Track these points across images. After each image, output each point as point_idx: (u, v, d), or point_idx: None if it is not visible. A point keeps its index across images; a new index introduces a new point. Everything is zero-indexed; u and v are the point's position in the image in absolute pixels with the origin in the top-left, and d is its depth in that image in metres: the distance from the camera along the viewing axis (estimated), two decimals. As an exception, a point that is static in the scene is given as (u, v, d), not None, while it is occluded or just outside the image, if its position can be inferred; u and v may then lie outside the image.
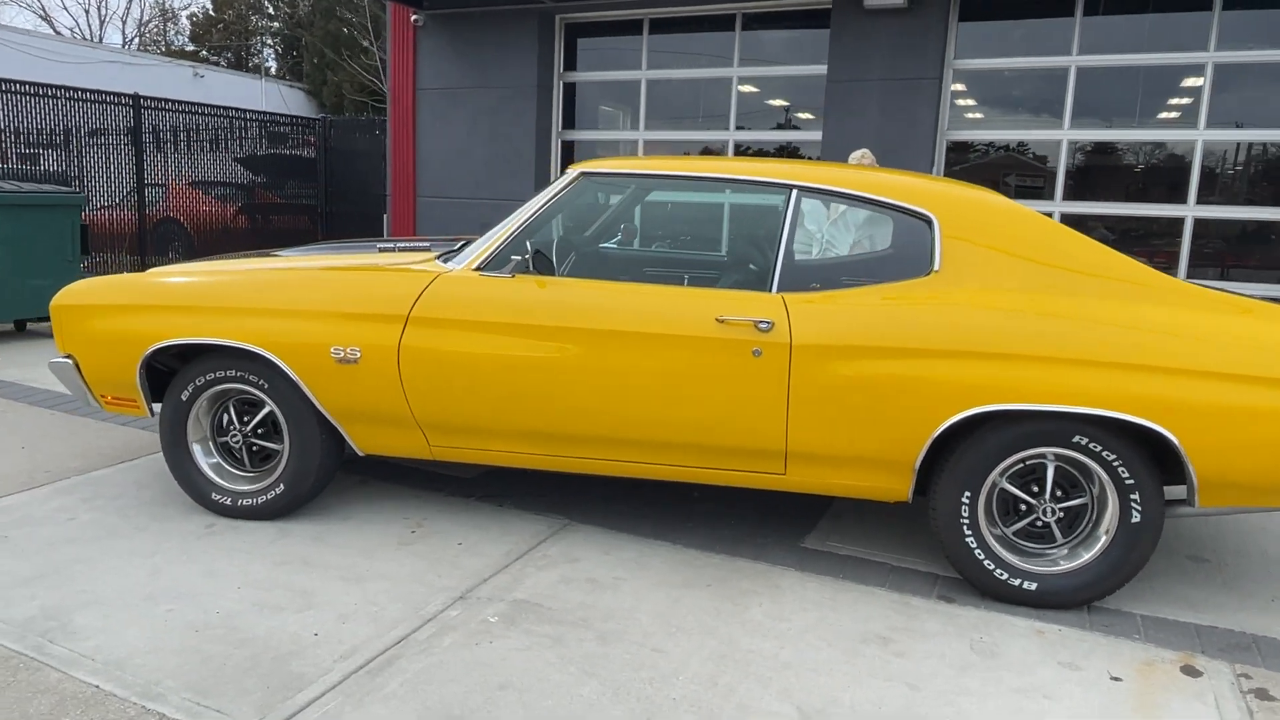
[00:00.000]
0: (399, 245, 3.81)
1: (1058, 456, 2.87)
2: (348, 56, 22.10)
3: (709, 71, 8.90)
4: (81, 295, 3.41)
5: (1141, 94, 7.63)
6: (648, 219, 3.30)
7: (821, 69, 8.38)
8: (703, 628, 2.74)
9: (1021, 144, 8.05)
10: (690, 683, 2.43)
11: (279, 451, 3.41)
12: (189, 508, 3.51)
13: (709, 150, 9.07)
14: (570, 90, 9.62)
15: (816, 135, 8.47)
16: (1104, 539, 2.85)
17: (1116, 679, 2.53)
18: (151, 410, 3.45)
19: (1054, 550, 2.95)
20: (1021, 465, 2.90)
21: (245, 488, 3.39)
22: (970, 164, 8.24)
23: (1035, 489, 2.92)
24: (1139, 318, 2.73)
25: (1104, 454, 2.78)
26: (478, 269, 3.15)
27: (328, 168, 10.66)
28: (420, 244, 3.86)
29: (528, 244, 3.01)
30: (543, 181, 9.45)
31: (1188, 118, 7.44)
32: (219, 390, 3.34)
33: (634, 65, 9.21)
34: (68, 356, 3.45)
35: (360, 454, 3.38)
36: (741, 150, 8.93)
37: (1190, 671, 2.59)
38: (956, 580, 3.12)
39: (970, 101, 8.14)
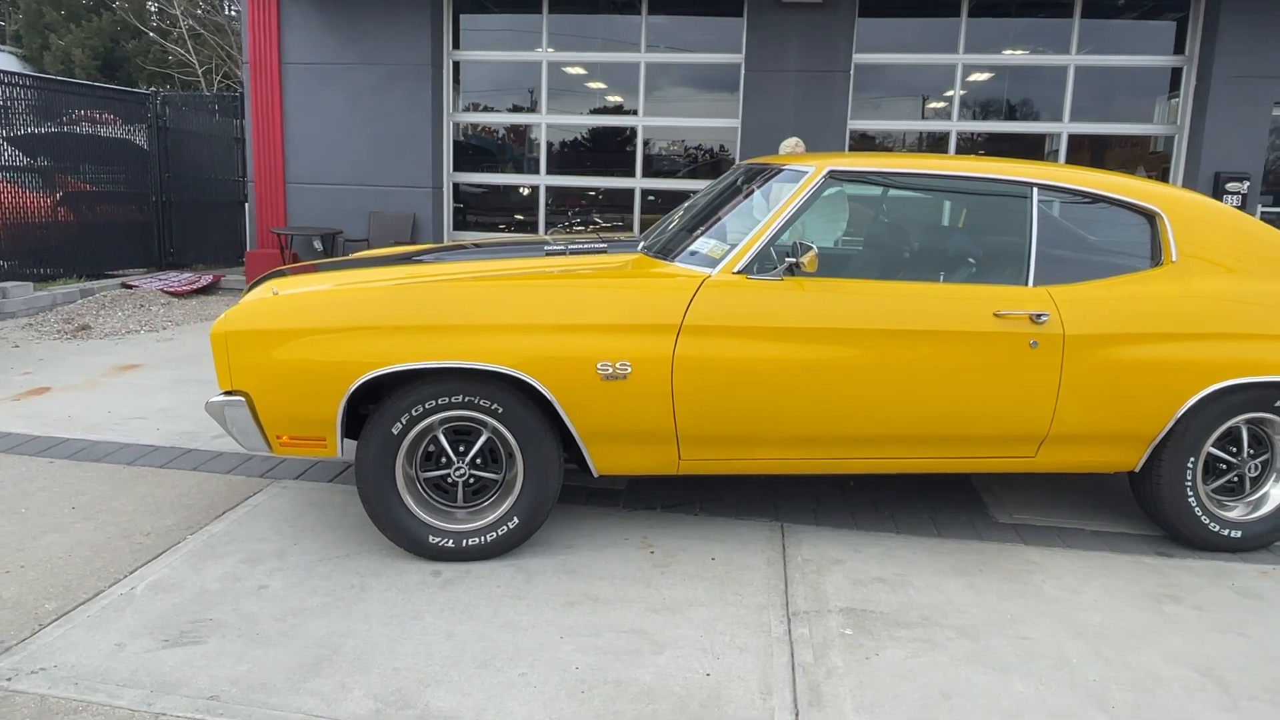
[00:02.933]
0: (570, 247, 3.50)
1: (1253, 421, 3.29)
2: (86, 15, 19.08)
3: (616, 56, 8.80)
4: (263, 319, 2.82)
5: (1017, 90, 8.60)
6: (878, 215, 3.31)
7: (735, 57, 8.58)
8: (1027, 609, 2.86)
9: (918, 135, 8.77)
10: (1085, 662, 2.55)
11: (496, 482, 3.05)
12: (391, 555, 3.05)
13: (618, 138, 8.98)
14: (462, 70, 9.08)
15: (733, 123, 8.68)
16: (1290, 486, 3.33)
17: (1362, 603, 2.99)
18: (341, 449, 2.94)
19: (1240, 502, 3.39)
20: (1225, 431, 3.30)
21: (468, 525, 3.00)
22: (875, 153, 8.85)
23: (1234, 450, 3.33)
24: (1336, 296, 3.20)
25: (1297, 414, 3.24)
26: (740, 272, 3.01)
27: (163, 151, 9.22)
28: (593, 244, 3.56)
29: (797, 244, 2.92)
30: (438, 167, 8.88)
31: (1056, 113, 8.50)
32: (437, 420, 2.93)
33: (533, 46, 8.87)
34: (237, 394, 2.85)
35: (595, 475, 3.11)
36: (656, 137, 8.93)
37: (1396, 589, 3.12)
38: (1160, 537, 3.47)
39: (871, 94, 8.73)
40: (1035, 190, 3.19)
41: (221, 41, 17.75)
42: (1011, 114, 8.58)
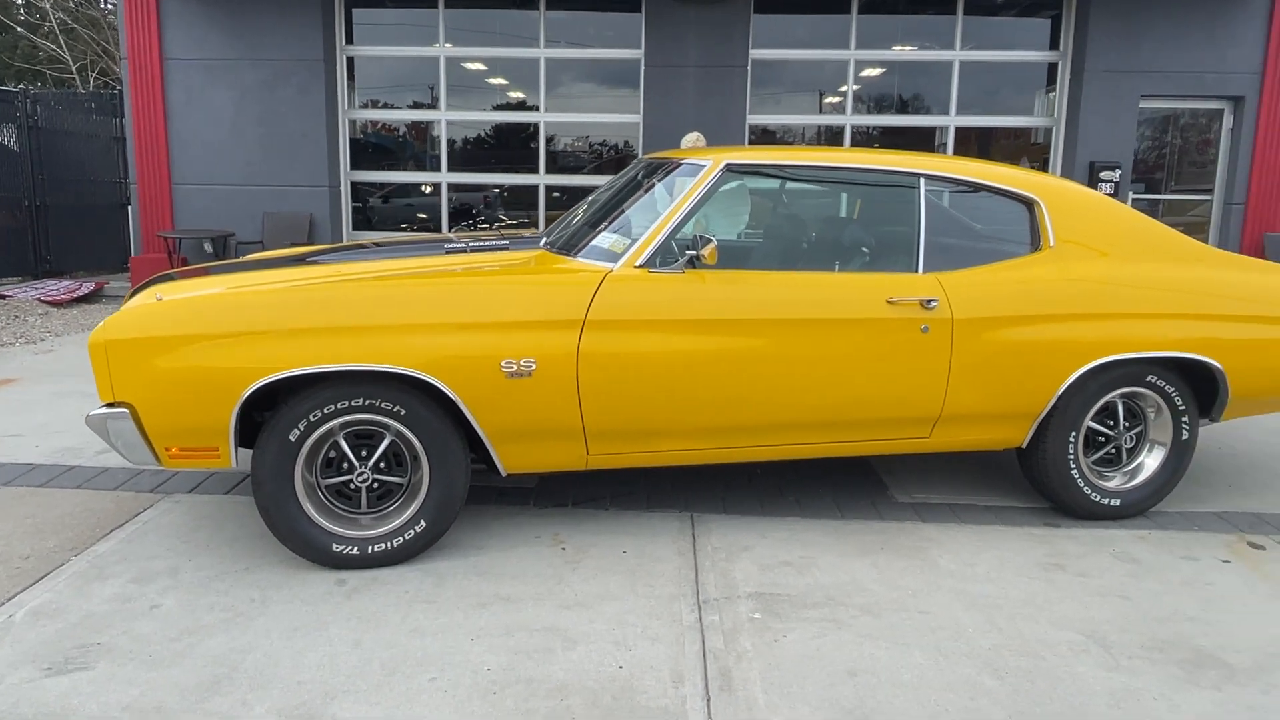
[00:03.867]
0: (470, 245, 3.45)
1: (1128, 395, 3.50)
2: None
3: (515, 51, 8.72)
4: (145, 326, 2.69)
5: (908, 85, 8.90)
6: (776, 206, 3.37)
7: (635, 53, 8.62)
8: (926, 583, 2.97)
9: (815, 129, 8.98)
10: (980, 632, 2.66)
11: (401, 486, 3.00)
12: (294, 566, 2.95)
13: (521, 134, 8.90)
14: (358, 66, 8.85)
15: (635, 118, 8.71)
16: (1161, 455, 3.54)
17: (1226, 560, 3.21)
18: (236, 459, 2.83)
19: (1118, 472, 3.59)
20: (1103, 406, 3.49)
21: (373, 531, 2.94)
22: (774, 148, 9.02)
23: (1111, 424, 3.53)
24: (1197, 279, 3.42)
25: (1166, 388, 3.45)
26: (642, 266, 3.02)
27: (35, 152, 8.67)
28: (495, 241, 3.52)
29: (697, 237, 2.96)
30: (334, 165, 8.65)
31: (943, 107, 8.83)
32: (337, 424, 2.85)
33: (430, 41, 8.72)
34: (119, 405, 2.71)
35: (503, 475, 3.08)
36: (559, 133, 8.89)
37: (1256, 546, 3.36)
38: (1047, 509, 3.65)
39: (769, 89, 8.89)
40: (923, 180, 3.31)
41: (97, 36, 16.85)
42: (903, 108, 8.88)
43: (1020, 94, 8.83)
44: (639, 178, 3.68)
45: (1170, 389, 3.45)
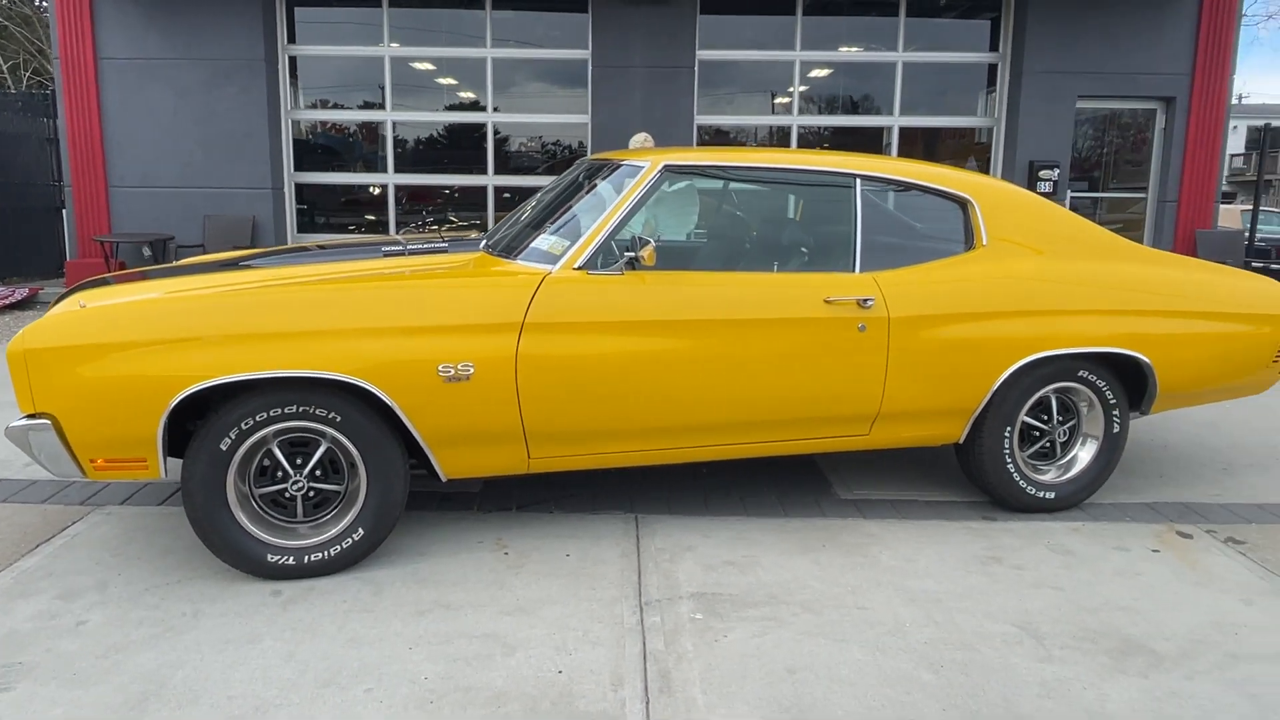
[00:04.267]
0: (408, 248, 3.41)
1: (1061, 390, 3.57)
2: None
3: (462, 51, 8.65)
4: (67, 334, 2.61)
5: (853, 86, 9.00)
6: (716, 207, 3.38)
7: (582, 53, 8.60)
8: (866, 580, 3.00)
9: (765, 130, 9.04)
10: (918, 626, 2.70)
11: (338, 493, 2.95)
12: (228, 578, 2.89)
13: (469, 135, 8.83)
14: (301, 65, 8.70)
15: (584, 118, 8.69)
16: (1094, 448, 3.63)
17: (1155, 550, 3.30)
18: (165, 469, 2.76)
19: (1052, 465, 3.67)
20: (1037, 401, 3.56)
21: (310, 540, 2.89)
22: (719, 147, 9.06)
23: (1045, 418, 3.61)
24: (1125, 275, 3.50)
25: (1097, 382, 3.53)
26: (581, 268, 3.01)
27: (-37, 154, 8.37)
28: (434, 244, 3.48)
29: (636, 239, 2.95)
30: (277, 167, 8.49)
31: (888, 107, 8.94)
32: (270, 432, 2.79)
33: (375, 40, 8.61)
34: (41, 417, 2.63)
35: (443, 480, 3.05)
36: (507, 134, 8.83)
37: (1184, 535, 3.45)
38: (984, 503, 3.72)
39: (717, 89, 8.93)
40: (859, 181, 3.35)
41: (30, 35, 16.35)
42: (850, 109, 8.98)
43: (963, 94, 8.98)
44: (580, 179, 3.67)
45: (1101, 383, 3.54)
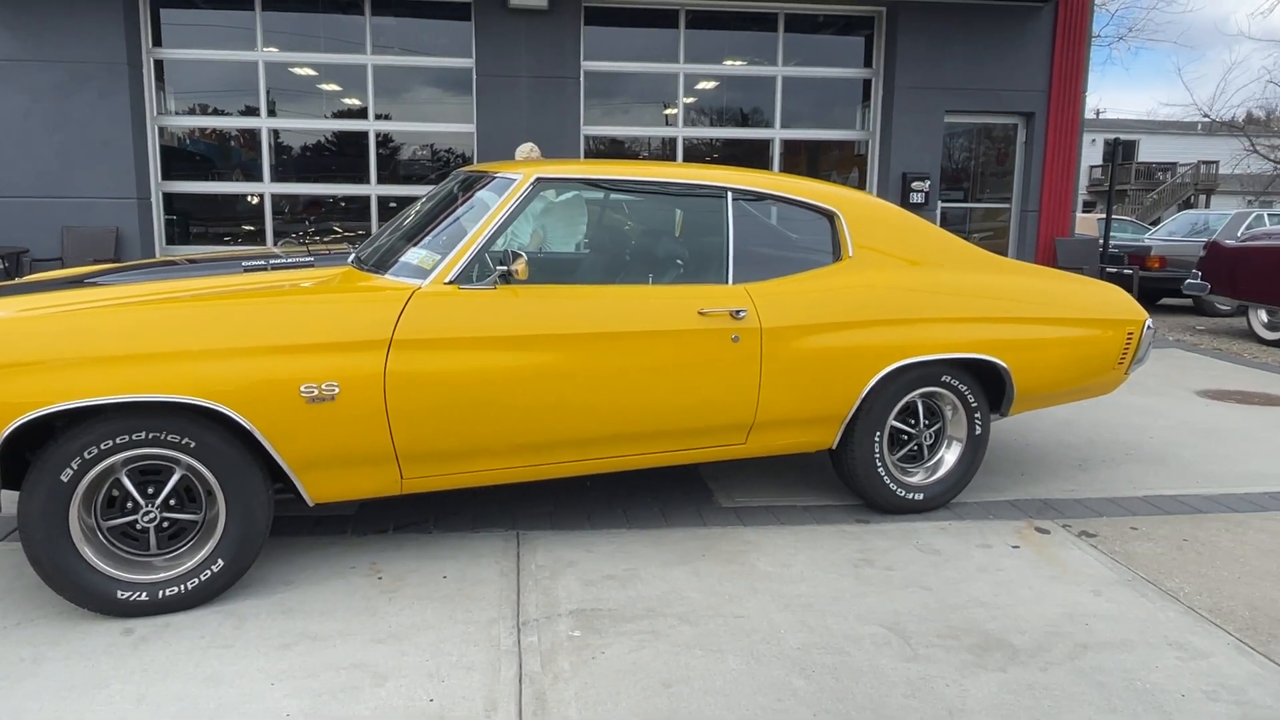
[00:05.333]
0: (271, 263, 3.27)
1: (926, 395, 3.71)
2: None
3: (341, 57, 8.41)
4: None
5: (737, 99, 9.18)
6: (592, 220, 3.37)
7: (466, 62, 8.48)
8: (744, 588, 3.04)
9: (652, 141, 9.12)
10: (791, 632, 2.75)
11: (196, 523, 2.80)
12: (75, 618, 2.70)
13: (350, 143, 8.58)
14: (169, 70, 8.28)
15: (469, 128, 8.57)
16: (959, 450, 3.79)
17: (1015, 546, 3.46)
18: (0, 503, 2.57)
19: (920, 468, 3.81)
20: (904, 406, 3.69)
21: (165, 574, 2.73)
22: (609, 157, 9.08)
23: (912, 422, 3.75)
24: (982, 284, 3.67)
25: (959, 387, 3.69)
26: (452, 282, 2.95)
27: None
28: (299, 258, 3.34)
29: (508, 253, 2.92)
30: (143, 176, 8.05)
31: (770, 120, 9.16)
32: (118, 460, 2.63)
33: (249, 44, 8.27)
34: None
35: (310, 505, 2.93)
36: (390, 142, 8.63)
37: (1042, 530, 3.64)
38: (858, 506, 3.83)
39: (604, 100, 8.96)
40: (730, 194, 3.41)
41: None
42: (733, 121, 9.16)
43: (841, 108, 9.29)
44: (455, 191, 3.61)
45: (963, 388, 3.70)
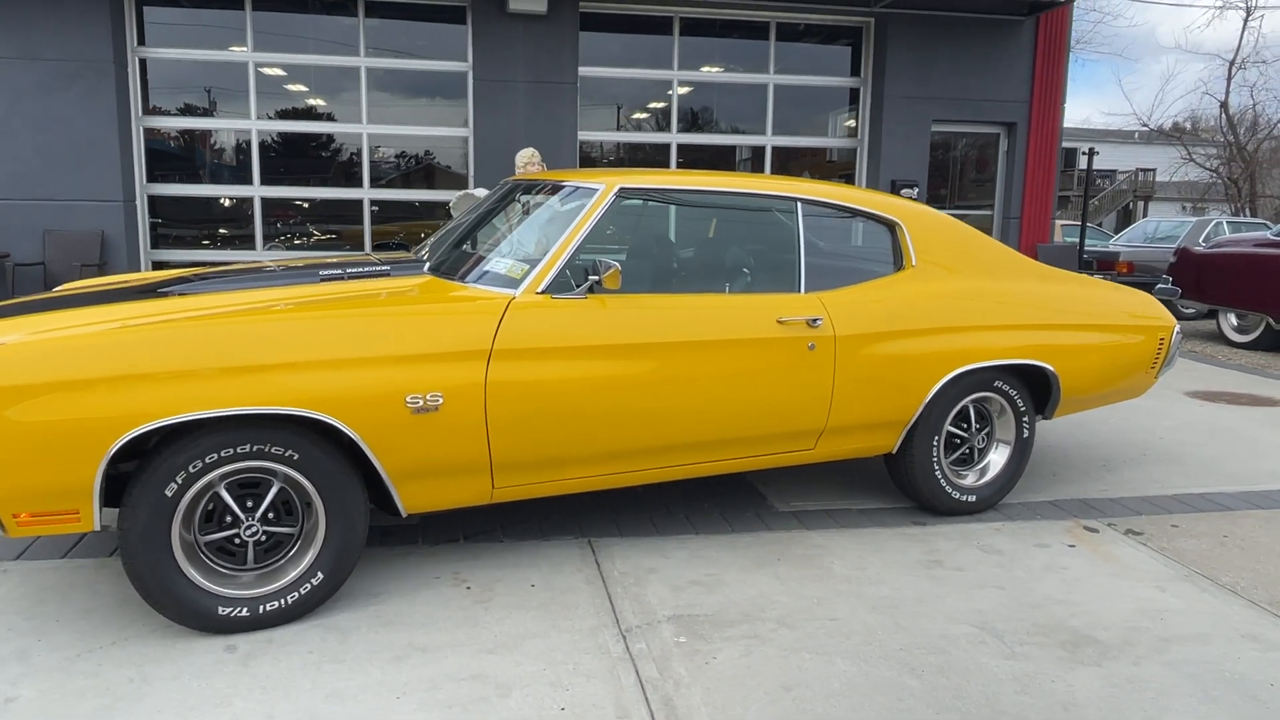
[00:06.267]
0: (348, 271, 3.23)
1: (978, 399, 3.82)
2: None
3: (333, 59, 8.28)
4: None
5: (729, 105, 9.26)
6: (671, 231, 3.40)
7: (462, 65, 8.42)
8: (827, 591, 3.10)
9: (637, 145, 9.15)
10: (888, 633, 2.82)
11: (293, 536, 2.76)
12: (170, 635, 2.64)
13: (342, 146, 8.46)
14: (155, 69, 8.06)
15: (464, 132, 8.51)
16: (1007, 452, 3.90)
17: (1072, 545, 3.58)
18: (99, 520, 2.49)
19: (971, 470, 3.92)
20: (958, 410, 3.80)
21: (264, 589, 2.68)
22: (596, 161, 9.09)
23: (964, 426, 3.85)
24: (1032, 292, 3.79)
25: (1010, 391, 3.81)
26: (544, 292, 2.96)
27: None
28: (374, 267, 3.30)
29: (598, 261, 2.93)
30: (129, 177, 7.83)
31: (761, 127, 9.26)
32: (220, 474, 2.58)
33: (238, 45, 8.10)
34: (-45, 469, 2.31)
35: (403, 516, 2.91)
36: (383, 146, 8.52)
37: (1091, 529, 3.77)
38: (911, 509, 3.92)
39: (598, 106, 8.97)
40: (800, 204, 3.47)
41: None
42: (726, 128, 9.25)
43: (831, 116, 9.45)
44: (517, 200, 3.61)
45: (1013, 392, 3.81)
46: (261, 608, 2.67)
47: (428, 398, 2.71)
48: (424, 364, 2.72)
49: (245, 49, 8.10)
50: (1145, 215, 30.71)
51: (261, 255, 8.41)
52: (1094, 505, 4.06)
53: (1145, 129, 33.02)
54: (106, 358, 2.41)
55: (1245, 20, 35.12)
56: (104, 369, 2.40)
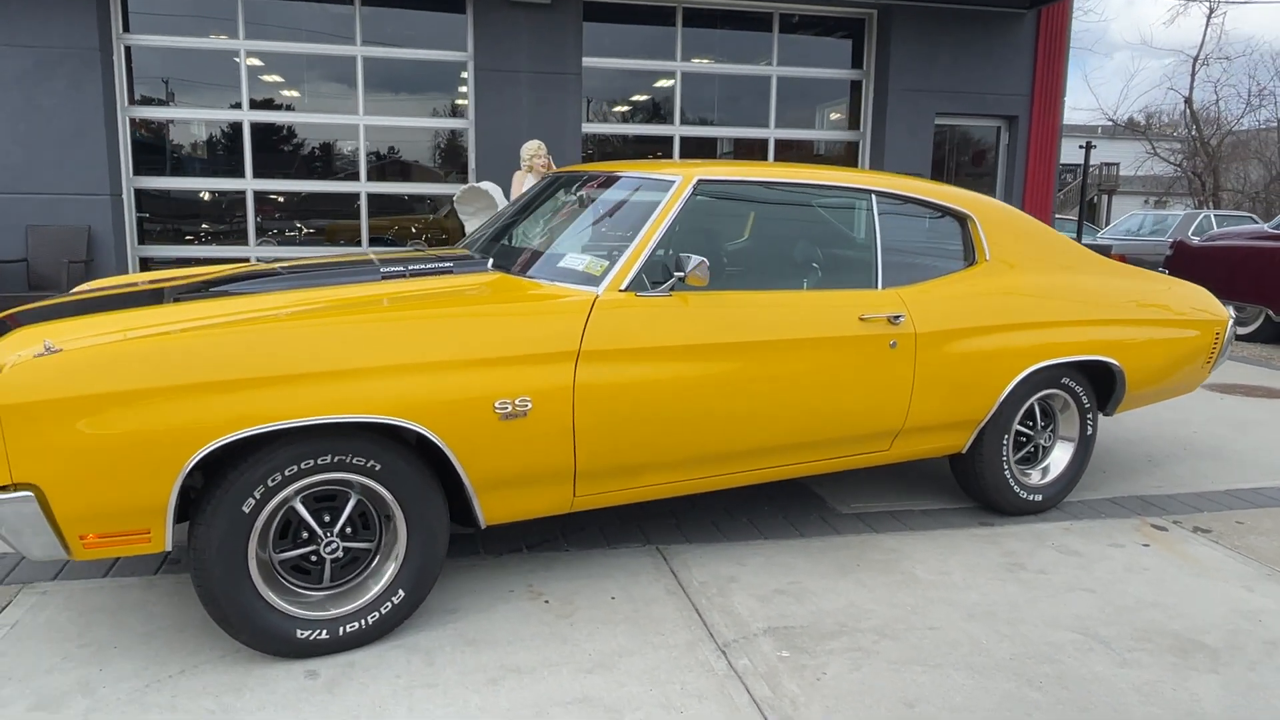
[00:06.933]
0: (410, 268, 3.04)
1: (1044, 396, 3.74)
2: None
3: (328, 48, 8.01)
4: (53, 383, 2.10)
5: (732, 97, 9.14)
6: (748, 225, 3.25)
7: (461, 55, 8.20)
8: (918, 598, 2.99)
9: (640, 137, 8.99)
10: (993, 642, 2.71)
11: (368, 552, 2.58)
12: (242, 661, 2.45)
13: (338, 138, 8.18)
14: (142, 58, 7.72)
15: (464, 123, 8.29)
16: (1070, 449, 3.83)
17: (1146, 545, 3.51)
18: (170, 540, 2.30)
19: (1035, 469, 3.84)
20: (1026, 408, 3.71)
21: (343, 609, 2.50)
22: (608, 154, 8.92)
23: (1029, 424, 3.77)
24: (1098, 286, 3.72)
25: (1075, 388, 3.73)
26: (627, 289, 2.80)
27: None
28: (437, 263, 3.11)
29: (682, 256, 2.78)
30: (115, 170, 7.51)
31: (764, 119, 9.16)
32: (296, 488, 2.39)
33: (230, 32, 7.80)
34: (20, 488, 2.10)
35: (481, 528, 2.75)
36: (380, 138, 8.26)
37: (1159, 528, 3.71)
38: (971, 508, 3.83)
39: (600, 97, 8.79)
40: (874, 197, 3.35)
41: None
42: (729, 120, 9.12)
43: (834, 109, 9.37)
44: (571, 193, 3.45)
45: (1078, 388, 3.74)
46: (341, 629, 2.49)
47: (516, 402, 2.55)
48: (512, 367, 2.55)
49: (238, 37, 7.80)
50: (1109, 210, 31.18)
51: (254, 251, 8.13)
52: (1153, 502, 4.00)
53: (1110, 124, 33.52)
54: (183, 363, 2.22)
55: (1208, 17, 35.73)
56: (181, 375, 2.20)
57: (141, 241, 7.93)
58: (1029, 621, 2.85)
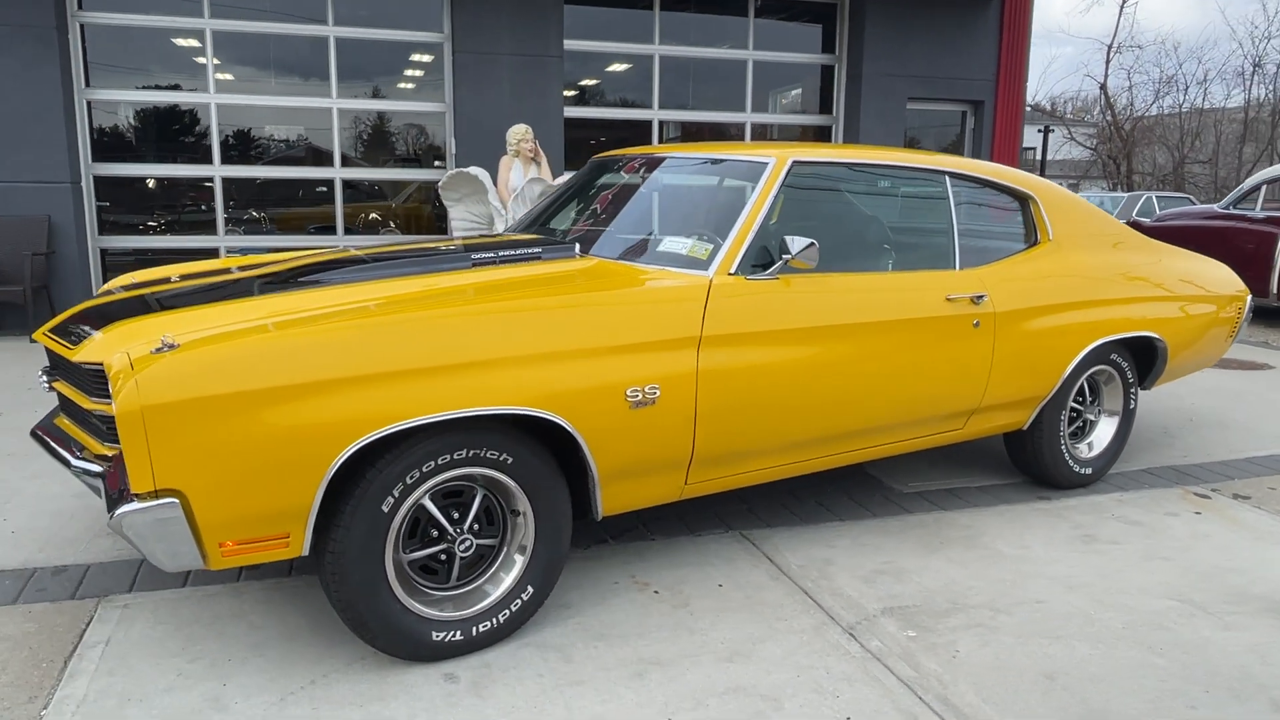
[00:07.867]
0: (500, 255, 2.93)
1: (1093, 372, 3.84)
2: None
3: (297, 28, 7.67)
4: (199, 380, 1.94)
5: (708, 81, 9.11)
6: (837, 207, 3.23)
7: (438, 36, 7.96)
8: (1012, 572, 3.04)
9: (619, 120, 8.89)
10: (1100, 612, 2.77)
11: (492, 548, 2.49)
12: (371, 667, 2.34)
13: (310, 122, 7.86)
14: (99, 37, 7.26)
15: (438, 106, 8.06)
16: (1115, 423, 3.94)
17: (1198, 513, 3.65)
18: (309, 544, 2.17)
19: (1084, 443, 3.94)
20: (1079, 384, 3.80)
21: (474, 609, 2.41)
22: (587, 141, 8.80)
23: (1079, 399, 3.87)
24: (1144, 264, 3.83)
25: (1121, 363, 3.84)
26: (736, 273, 2.76)
27: None
28: (526, 251, 3.00)
29: (789, 239, 2.75)
30: (74, 157, 7.06)
31: (740, 103, 9.17)
32: (430, 485, 2.29)
33: (194, 11, 7.40)
34: (166, 494, 1.95)
35: (598, 519, 2.68)
36: (355, 122, 7.96)
37: (1202, 495, 3.85)
38: (1022, 483, 3.91)
39: (579, 80, 8.66)
40: (949, 179, 3.38)
41: None
42: (705, 104, 9.09)
43: (808, 93, 9.43)
44: (637, 174, 3.38)
45: (1124, 363, 3.85)
46: (475, 629, 2.40)
47: (646, 390, 2.49)
48: (639, 354, 2.49)
49: (202, 16, 7.40)
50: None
51: (223, 241, 7.77)
52: (1186, 472, 4.16)
53: (1029, 109, 34.70)
54: (336, 356, 2.09)
55: (1122, 6, 37.18)
56: (333, 369, 2.08)
57: (102, 232, 7.49)
58: (1124, 591, 2.93)
